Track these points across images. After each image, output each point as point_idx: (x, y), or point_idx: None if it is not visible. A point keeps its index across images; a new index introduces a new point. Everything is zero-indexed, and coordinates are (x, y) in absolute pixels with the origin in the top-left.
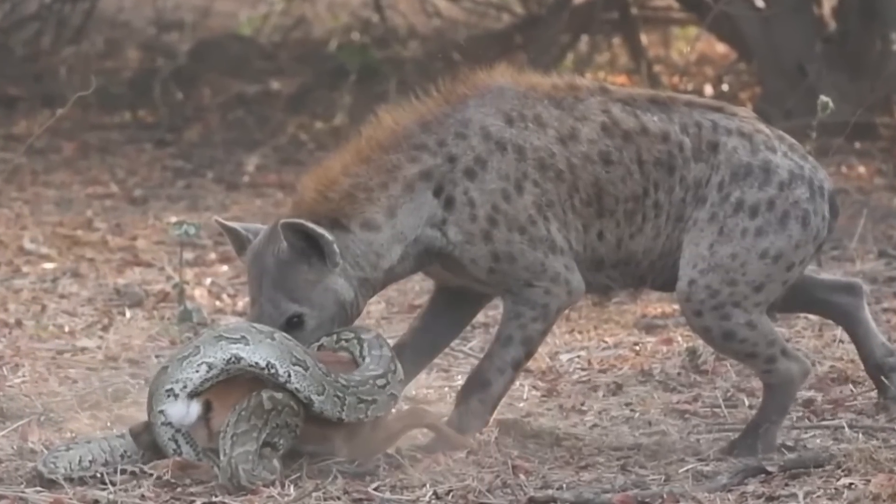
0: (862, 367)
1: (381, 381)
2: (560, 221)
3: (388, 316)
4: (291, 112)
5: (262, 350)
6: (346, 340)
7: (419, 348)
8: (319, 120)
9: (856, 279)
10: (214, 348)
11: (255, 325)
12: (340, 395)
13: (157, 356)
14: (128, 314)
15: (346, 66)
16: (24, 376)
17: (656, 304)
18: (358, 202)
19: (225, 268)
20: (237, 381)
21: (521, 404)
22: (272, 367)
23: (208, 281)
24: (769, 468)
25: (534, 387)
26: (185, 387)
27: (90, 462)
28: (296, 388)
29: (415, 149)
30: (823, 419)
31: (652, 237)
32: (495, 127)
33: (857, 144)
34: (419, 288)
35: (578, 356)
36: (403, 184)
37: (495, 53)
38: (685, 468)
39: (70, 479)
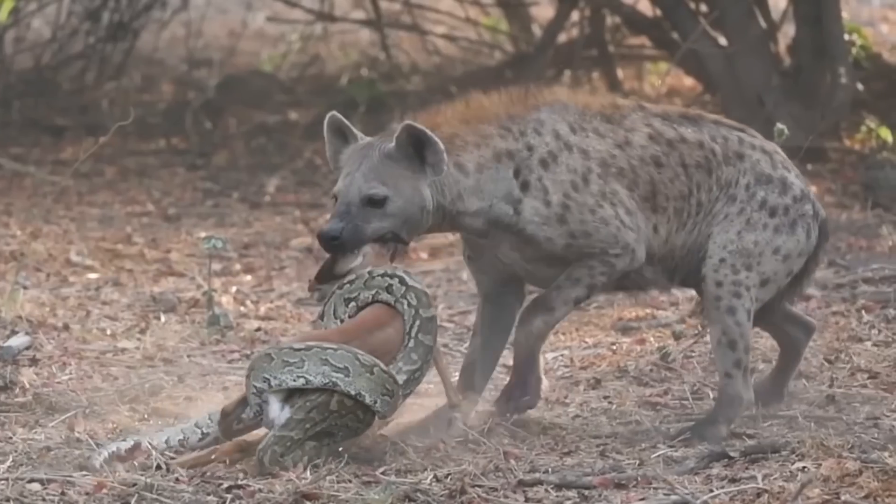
0: (813, 362)
1: (417, 374)
2: (626, 208)
3: None
4: (308, 139)
5: (358, 382)
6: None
7: (486, 363)
8: None
9: (812, 320)
10: (317, 369)
11: (360, 355)
12: (396, 399)
13: (188, 356)
14: (163, 318)
15: (355, 99)
16: (70, 374)
17: (631, 309)
18: (455, 146)
19: (248, 277)
20: None
21: None
22: (362, 397)
23: (234, 289)
24: (731, 453)
25: None
26: (279, 385)
27: (181, 441)
28: (377, 410)
29: (503, 129)
30: (780, 410)
31: (689, 232)
32: (563, 131)
33: (809, 167)
34: None
35: (562, 355)
36: (492, 153)
37: (488, 87)
38: (657, 454)
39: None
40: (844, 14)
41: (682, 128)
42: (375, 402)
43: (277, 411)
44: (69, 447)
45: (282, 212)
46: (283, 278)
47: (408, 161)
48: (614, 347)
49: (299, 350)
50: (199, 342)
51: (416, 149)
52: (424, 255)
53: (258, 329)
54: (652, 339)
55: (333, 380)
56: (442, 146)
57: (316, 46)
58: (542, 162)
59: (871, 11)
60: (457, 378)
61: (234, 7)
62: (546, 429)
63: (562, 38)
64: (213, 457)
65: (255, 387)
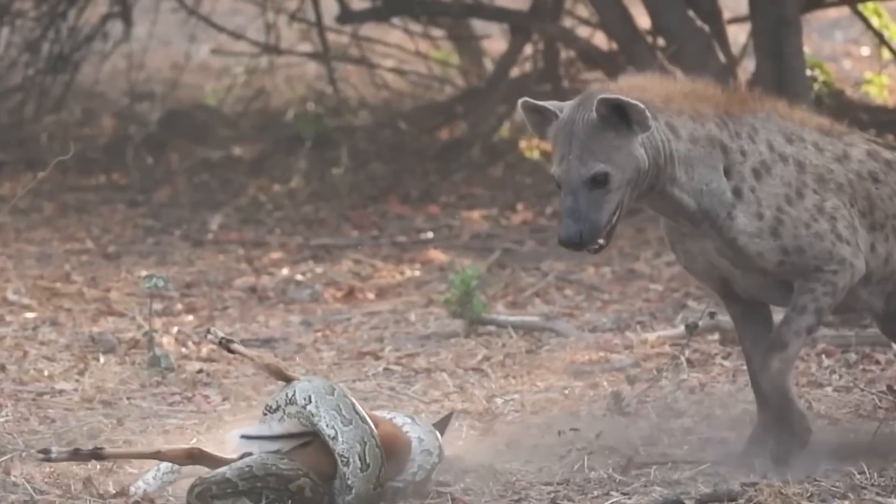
0: None
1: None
2: (846, 221)
3: (338, 362)
4: (252, 175)
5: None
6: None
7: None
8: (277, 183)
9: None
10: (353, 441)
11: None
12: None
13: (128, 398)
14: (102, 360)
15: (301, 134)
16: (7, 416)
17: (584, 352)
18: (670, 109)
19: (190, 317)
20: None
21: (460, 442)
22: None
23: (175, 329)
24: (686, 501)
25: (472, 427)
26: (308, 417)
27: None
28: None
29: (721, 120)
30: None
31: None
32: (777, 142)
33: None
34: (367, 336)
35: (513, 399)
36: (706, 134)
37: (438, 122)
38: (610, 501)
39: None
40: (806, 49)
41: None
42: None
43: (266, 430)
44: (5, 491)
45: (225, 250)
46: (227, 319)
47: (613, 127)
48: (566, 392)
49: (357, 412)
50: (140, 384)
51: (618, 114)
52: (371, 296)
53: (200, 371)
54: (605, 383)
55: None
56: (641, 106)
57: (261, 80)
58: (755, 172)
59: (833, 47)
60: None
61: (178, 39)
62: (496, 474)
63: (514, 72)
64: (161, 451)
65: (290, 396)
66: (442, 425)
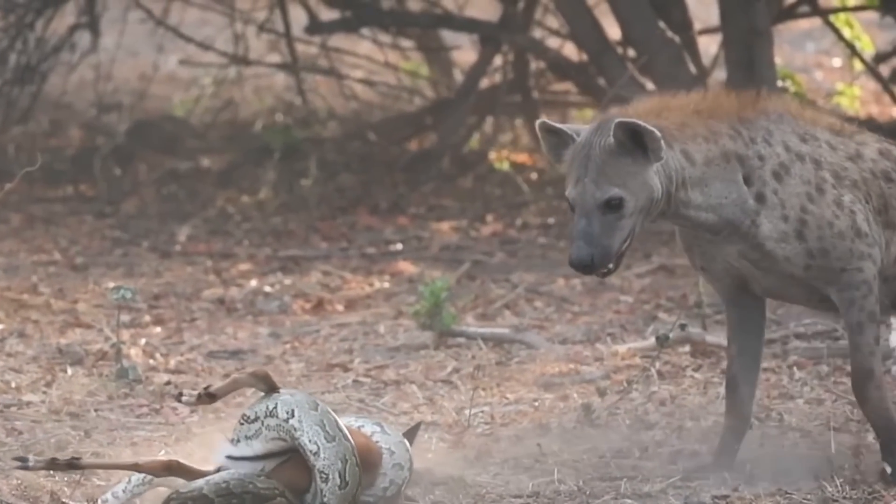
0: None
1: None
2: (864, 216)
3: (307, 374)
4: (220, 187)
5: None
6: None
7: (748, 371)
8: (246, 194)
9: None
10: (334, 458)
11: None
12: None
13: (95, 410)
14: (69, 371)
15: (270, 145)
16: None
17: (554, 364)
18: (685, 134)
19: (158, 329)
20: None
21: (430, 455)
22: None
23: (143, 341)
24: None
25: (441, 439)
26: (289, 429)
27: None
28: None
29: (734, 130)
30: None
31: None
32: (793, 142)
33: None
34: (336, 348)
35: (482, 411)
36: (721, 151)
37: (408, 133)
38: None
39: None
40: (778, 60)
41: None
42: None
43: (249, 451)
44: None
45: (193, 261)
46: (194, 330)
47: (630, 153)
48: (536, 404)
49: (339, 428)
50: (107, 396)
51: (635, 140)
52: (340, 308)
53: (168, 383)
54: (575, 395)
55: (329, 473)
56: (658, 133)
57: (229, 90)
58: (776, 174)
59: (805, 58)
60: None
61: (145, 50)
62: (466, 487)
63: (484, 83)
64: (139, 462)
65: (271, 408)
66: (410, 435)
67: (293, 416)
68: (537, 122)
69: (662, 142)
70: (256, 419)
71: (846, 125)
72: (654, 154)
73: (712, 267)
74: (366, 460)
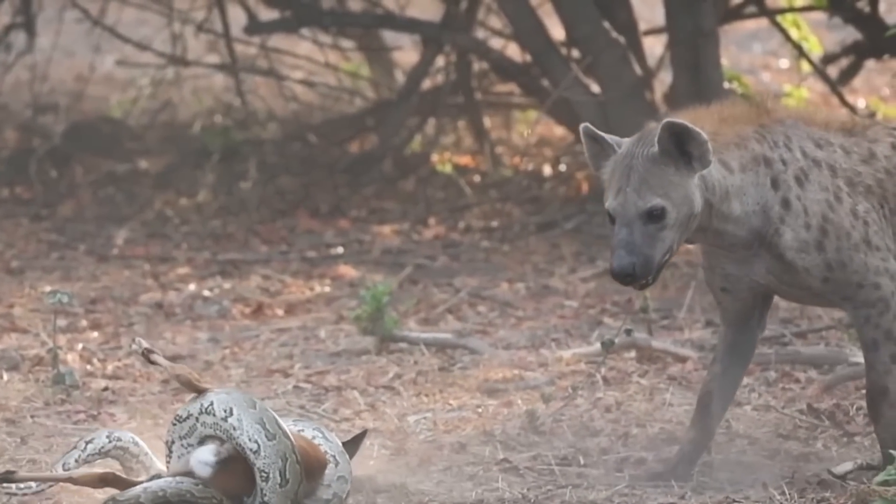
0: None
1: None
2: (877, 226)
3: (247, 379)
4: (158, 189)
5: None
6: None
7: (725, 392)
8: (184, 197)
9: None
10: (275, 457)
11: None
12: None
13: (32, 416)
14: (5, 377)
15: (209, 147)
16: None
17: (497, 370)
18: (720, 143)
19: (95, 334)
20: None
21: (371, 462)
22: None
23: (80, 346)
24: None
25: (383, 446)
26: (229, 429)
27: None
28: None
29: (759, 135)
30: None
31: None
32: (808, 148)
33: None
34: (276, 353)
35: (425, 417)
36: (751, 155)
37: (349, 135)
38: None
39: None
40: (724, 61)
41: None
42: None
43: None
44: None
45: (131, 265)
46: (132, 335)
47: (673, 163)
48: (480, 410)
49: (279, 426)
50: (44, 402)
51: (678, 146)
52: (280, 312)
53: (105, 388)
54: (520, 401)
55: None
56: (705, 136)
57: (167, 91)
58: (797, 179)
59: (752, 59)
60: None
61: (82, 50)
62: (409, 494)
63: (426, 84)
64: (73, 476)
65: (206, 407)
66: (354, 444)
67: (231, 414)
68: (581, 126)
69: (710, 145)
70: (189, 417)
71: (857, 120)
72: (700, 160)
73: (737, 287)
74: (310, 465)
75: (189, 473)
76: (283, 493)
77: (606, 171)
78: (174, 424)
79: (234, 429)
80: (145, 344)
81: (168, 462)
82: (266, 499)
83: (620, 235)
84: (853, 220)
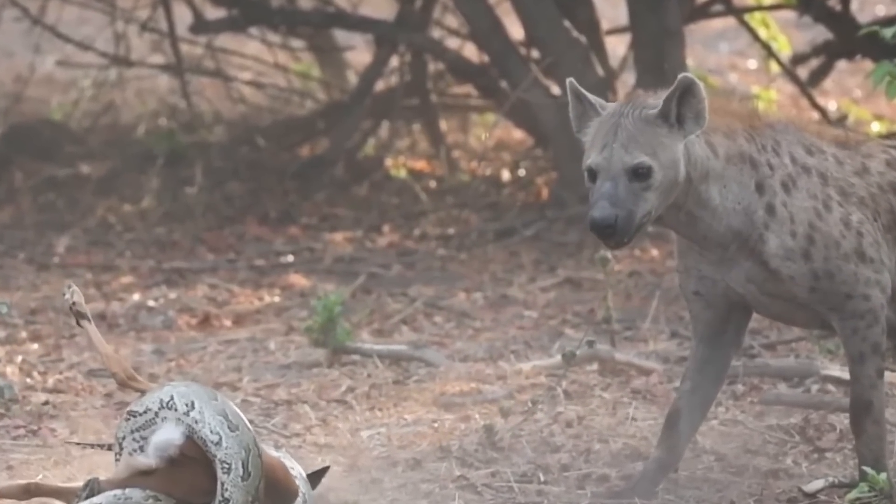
0: (653, 443)
1: None
2: (872, 237)
3: None
4: (100, 195)
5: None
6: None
7: (694, 411)
8: (128, 202)
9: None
10: (238, 448)
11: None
12: None
13: None
14: None
15: (153, 151)
16: None
17: (454, 383)
18: (709, 127)
19: (35, 346)
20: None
21: (323, 479)
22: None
23: (19, 358)
24: None
25: (335, 462)
26: (194, 419)
27: None
28: None
29: (749, 135)
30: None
31: None
32: (798, 154)
33: (650, 229)
34: (224, 366)
35: (379, 433)
36: (738, 150)
37: (299, 138)
38: None
39: None
40: (690, 61)
41: None
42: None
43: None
44: None
45: (72, 274)
46: (74, 347)
47: (667, 123)
48: (436, 425)
49: (241, 418)
50: None
51: (679, 109)
52: (228, 323)
53: (46, 403)
54: (477, 415)
55: (232, 462)
56: (705, 95)
57: (110, 93)
58: (784, 185)
59: (719, 59)
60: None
61: (21, 50)
62: None
63: (379, 85)
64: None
65: (166, 401)
66: (316, 478)
67: (193, 407)
68: (568, 81)
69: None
70: (147, 411)
71: (851, 135)
72: (695, 120)
73: (711, 292)
74: (283, 491)
75: (135, 472)
76: (244, 487)
77: (589, 132)
78: (127, 420)
79: (197, 422)
80: (79, 298)
81: (117, 459)
82: (227, 493)
83: (604, 189)
84: (844, 230)
